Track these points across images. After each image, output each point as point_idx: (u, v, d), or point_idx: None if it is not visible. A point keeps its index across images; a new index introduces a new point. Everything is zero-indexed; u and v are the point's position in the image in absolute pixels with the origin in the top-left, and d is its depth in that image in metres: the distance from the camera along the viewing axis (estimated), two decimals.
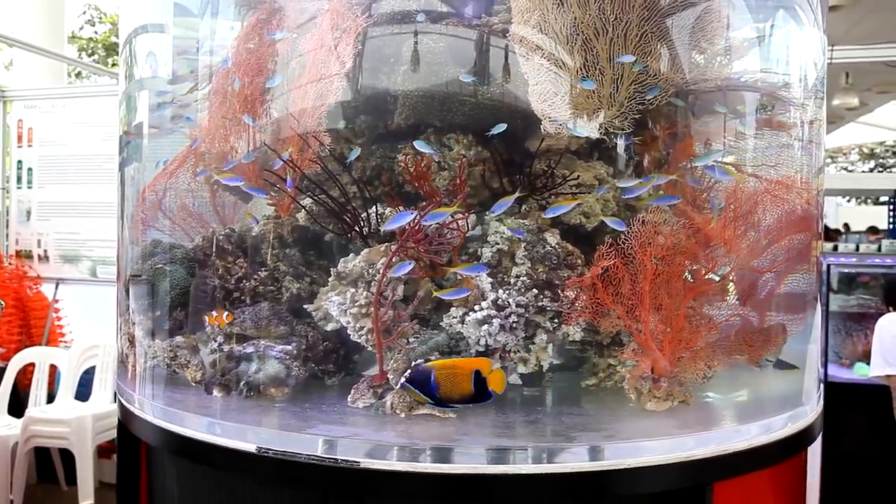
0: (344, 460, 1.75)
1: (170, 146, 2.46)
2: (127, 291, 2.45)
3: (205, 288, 2.37)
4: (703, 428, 1.98)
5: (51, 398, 5.46)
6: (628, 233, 2.15)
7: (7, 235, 6.47)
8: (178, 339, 2.28)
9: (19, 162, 6.46)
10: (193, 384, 2.24)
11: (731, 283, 2.38)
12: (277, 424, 1.95)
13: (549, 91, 2.07)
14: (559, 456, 1.81)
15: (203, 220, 2.57)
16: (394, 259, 2.15)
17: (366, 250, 2.28)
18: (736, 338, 2.34)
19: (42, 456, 5.49)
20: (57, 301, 6.18)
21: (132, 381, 2.36)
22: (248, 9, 2.48)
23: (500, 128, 2.11)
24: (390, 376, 2.11)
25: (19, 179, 6.47)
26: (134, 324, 2.38)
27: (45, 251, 6.36)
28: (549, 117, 2.08)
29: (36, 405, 5.31)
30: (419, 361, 2.05)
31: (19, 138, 6.45)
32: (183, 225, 2.51)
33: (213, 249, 2.44)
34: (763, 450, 1.94)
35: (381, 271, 2.17)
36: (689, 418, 2.05)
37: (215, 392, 2.15)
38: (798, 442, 2.14)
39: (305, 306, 2.42)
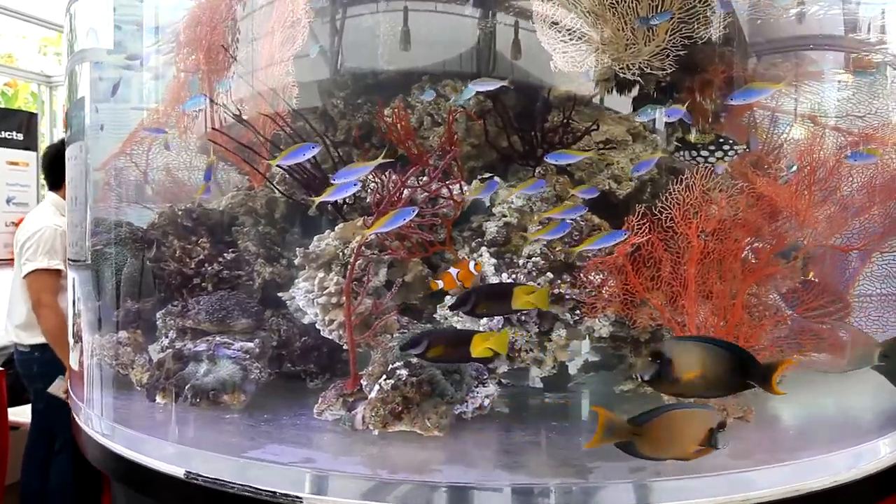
0: (284, 494, 1.34)
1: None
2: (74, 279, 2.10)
3: (159, 273, 2.00)
4: (768, 457, 1.49)
5: None
6: (668, 201, 1.67)
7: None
8: (122, 334, 1.91)
9: None
10: (138, 388, 1.88)
11: (805, 264, 1.86)
12: (216, 443, 1.56)
13: (557, 14, 1.59)
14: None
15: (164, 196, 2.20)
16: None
17: (339, 226, 1.86)
18: (812, 334, 1.82)
19: None
20: None
21: (79, 384, 2.01)
22: None
23: None
24: (364, 382, 1.69)
25: None
26: (78, 316, 2.03)
27: None
28: (560, 51, 1.60)
29: None
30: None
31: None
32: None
33: (171, 227, 2.06)
34: (855, 487, 1.44)
35: (354, 251, 1.75)
36: (749, 442, 1.56)
37: (158, 399, 1.77)
38: None
39: (280, 294, 2.03)
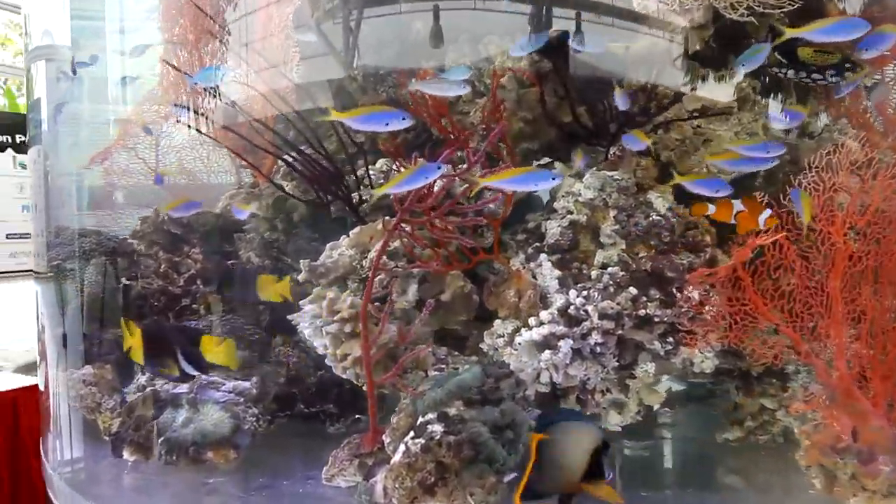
0: None
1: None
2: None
3: (139, 292, 1.62)
4: None
5: None
6: (800, 187, 1.20)
7: None
8: (87, 369, 1.53)
9: None
10: (106, 437, 1.49)
11: None
12: None
13: None
14: None
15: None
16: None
17: (355, 230, 1.44)
18: None
19: None
20: None
21: (46, 429, 1.64)
22: None
23: None
24: (387, 438, 1.27)
25: None
26: (43, 344, 1.66)
27: None
28: None
29: None
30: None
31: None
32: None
33: (156, 235, 1.68)
34: None
35: (373, 262, 1.32)
36: None
37: (126, 454, 1.38)
38: None
39: (290, 317, 1.63)
